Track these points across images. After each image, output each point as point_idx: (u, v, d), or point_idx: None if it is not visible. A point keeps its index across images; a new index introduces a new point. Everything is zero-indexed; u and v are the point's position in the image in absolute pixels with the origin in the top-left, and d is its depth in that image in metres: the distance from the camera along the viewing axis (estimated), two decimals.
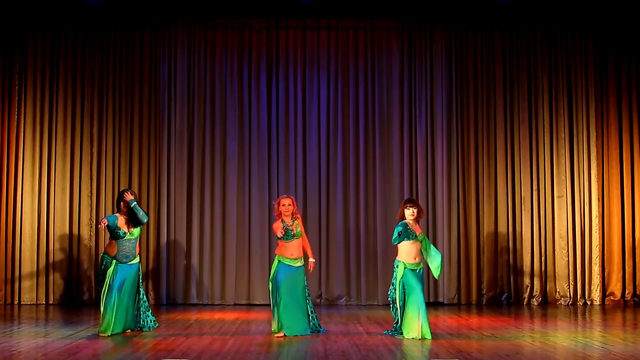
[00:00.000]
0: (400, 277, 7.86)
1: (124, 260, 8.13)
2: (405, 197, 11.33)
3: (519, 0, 11.32)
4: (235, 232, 11.38)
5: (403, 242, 7.90)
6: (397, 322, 7.95)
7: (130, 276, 8.15)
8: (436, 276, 8.06)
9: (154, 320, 8.40)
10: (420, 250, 8.01)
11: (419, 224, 8.09)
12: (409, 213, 7.96)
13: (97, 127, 11.48)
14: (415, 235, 7.91)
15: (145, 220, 8.28)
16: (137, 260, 8.24)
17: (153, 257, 11.32)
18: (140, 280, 8.34)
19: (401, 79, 11.61)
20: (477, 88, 11.61)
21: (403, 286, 7.84)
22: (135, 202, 8.20)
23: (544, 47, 11.62)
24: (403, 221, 7.98)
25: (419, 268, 7.93)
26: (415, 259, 7.91)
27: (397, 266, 7.92)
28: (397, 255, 8.01)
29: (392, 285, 7.97)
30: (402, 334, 7.82)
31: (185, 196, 11.41)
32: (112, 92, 11.52)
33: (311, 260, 8.37)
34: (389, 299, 8.07)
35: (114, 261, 8.10)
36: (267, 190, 11.42)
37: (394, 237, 7.93)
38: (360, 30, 11.70)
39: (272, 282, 8.10)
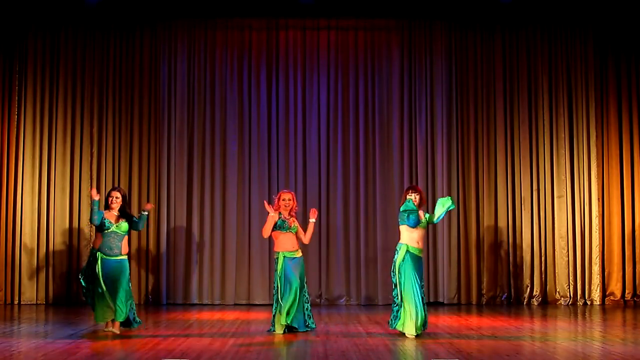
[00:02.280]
0: (401, 260, 7.83)
1: (107, 251, 8.05)
2: None
3: (519, 0, 11.32)
4: (235, 232, 11.38)
5: (406, 225, 7.88)
6: (397, 308, 7.87)
7: (119, 269, 8.04)
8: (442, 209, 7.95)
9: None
10: (424, 235, 8.03)
11: (421, 209, 8.08)
12: (412, 199, 7.97)
13: (97, 127, 11.48)
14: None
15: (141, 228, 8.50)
16: (124, 257, 8.15)
17: (153, 257, 11.32)
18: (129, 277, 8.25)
19: (401, 79, 11.61)
20: (477, 88, 11.61)
21: (403, 271, 7.80)
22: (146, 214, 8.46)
23: (544, 47, 11.62)
24: (407, 204, 7.94)
25: (420, 255, 7.93)
26: (418, 243, 7.90)
27: (399, 249, 7.89)
28: (399, 239, 8.00)
29: (392, 270, 7.92)
30: (397, 325, 7.80)
31: (185, 196, 11.41)
32: (112, 92, 11.52)
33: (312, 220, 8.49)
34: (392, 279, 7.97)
35: (99, 253, 8.07)
36: (267, 190, 11.41)
37: (411, 219, 7.83)
38: (360, 30, 11.70)
39: (280, 278, 8.14)
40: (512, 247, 11.37)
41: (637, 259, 11.40)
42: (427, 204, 11.32)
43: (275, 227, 8.29)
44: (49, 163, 11.40)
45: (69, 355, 6.72)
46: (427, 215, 8.12)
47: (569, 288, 11.29)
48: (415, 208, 7.92)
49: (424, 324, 7.87)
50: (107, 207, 8.28)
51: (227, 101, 11.57)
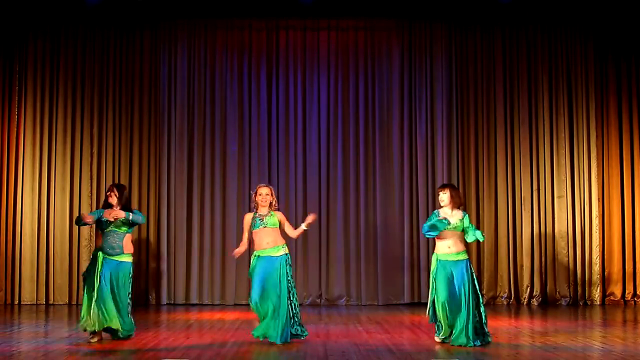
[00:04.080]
0: (433, 272, 7.28)
1: (109, 250, 7.54)
2: (406, 197, 11.37)
3: (519, 0, 11.32)
4: (235, 232, 11.36)
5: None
6: (437, 325, 7.39)
7: (119, 272, 7.54)
8: (480, 238, 7.27)
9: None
10: (461, 238, 7.31)
11: (458, 210, 7.39)
12: (440, 199, 7.41)
13: (97, 127, 11.48)
14: (448, 223, 7.25)
15: (142, 221, 7.80)
16: (127, 258, 7.62)
17: (153, 257, 11.32)
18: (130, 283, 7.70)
19: (401, 79, 11.61)
20: (477, 88, 11.62)
21: (435, 282, 7.25)
22: (129, 213, 7.63)
23: (544, 47, 11.62)
24: (435, 210, 7.46)
25: (457, 259, 7.23)
26: (449, 247, 7.25)
27: (432, 259, 7.34)
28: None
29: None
30: (443, 336, 7.33)
31: (185, 196, 11.41)
32: (112, 92, 11.52)
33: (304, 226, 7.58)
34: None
35: (100, 252, 7.55)
36: None
37: (424, 227, 7.34)
38: (360, 30, 11.70)
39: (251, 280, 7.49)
40: (512, 247, 11.37)
41: (637, 259, 11.39)
42: (427, 204, 11.35)
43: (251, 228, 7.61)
44: (49, 163, 11.40)
45: (69, 355, 6.72)
46: (466, 221, 7.36)
47: (569, 288, 11.29)
48: (435, 219, 7.31)
49: (460, 335, 7.14)
50: (107, 204, 7.74)
51: (227, 101, 11.57)
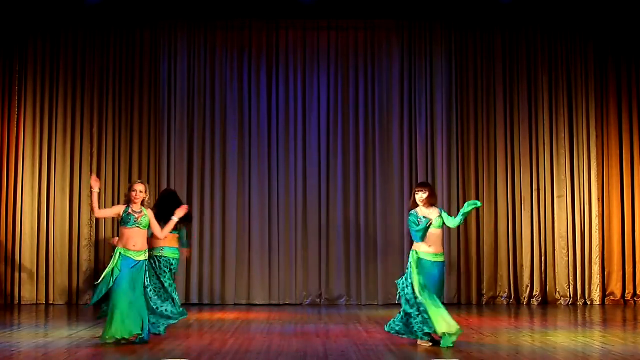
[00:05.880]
0: (414, 268, 7.19)
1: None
2: (406, 196, 11.36)
3: (519, 0, 11.32)
4: (235, 232, 11.37)
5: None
6: (402, 318, 7.29)
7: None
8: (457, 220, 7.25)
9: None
10: (440, 235, 7.25)
11: (434, 207, 7.33)
12: (419, 198, 7.32)
13: (97, 127, 11.48)
14: (429, 221, 7.17)
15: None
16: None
17: None
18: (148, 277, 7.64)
19: (401, 79, 11.61)
20: (477, 88, 11.62)
21: (413, 279, 7.18)
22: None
23: (544, 47, 11.62)
24: (412, 210, 7.35)
25: (436, 260, 7.19)
26: (430, 247, 7.20)
27: (410, 255, 7.27)
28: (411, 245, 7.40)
29: (405, 276, 7.31)
30: (410, 333, 7.24)
31: (185, 196, 11.38)
32: (112, 92, 11.52)
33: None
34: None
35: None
36: (267, 190, 11.42)
37: (412, 234, 7.28)
38: (360, 30, 11.70)
39: (108, 279, 7.14)
40: (512, 247, 11.37)
41: (637, 259, 11.39)
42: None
43: (120, 221, 7.39)
44: (49, 163, 11.40)
45: (69, 356, 6.71)
46: (444, 215, 7.30)
47: (569, 288, 11.29)
48: (415, 221, 7.26)
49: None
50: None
51: (227, 101, 11.57)
